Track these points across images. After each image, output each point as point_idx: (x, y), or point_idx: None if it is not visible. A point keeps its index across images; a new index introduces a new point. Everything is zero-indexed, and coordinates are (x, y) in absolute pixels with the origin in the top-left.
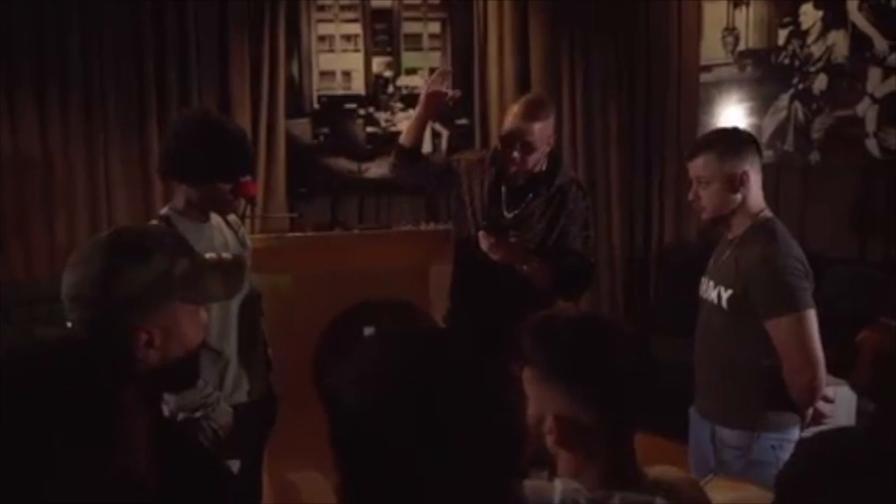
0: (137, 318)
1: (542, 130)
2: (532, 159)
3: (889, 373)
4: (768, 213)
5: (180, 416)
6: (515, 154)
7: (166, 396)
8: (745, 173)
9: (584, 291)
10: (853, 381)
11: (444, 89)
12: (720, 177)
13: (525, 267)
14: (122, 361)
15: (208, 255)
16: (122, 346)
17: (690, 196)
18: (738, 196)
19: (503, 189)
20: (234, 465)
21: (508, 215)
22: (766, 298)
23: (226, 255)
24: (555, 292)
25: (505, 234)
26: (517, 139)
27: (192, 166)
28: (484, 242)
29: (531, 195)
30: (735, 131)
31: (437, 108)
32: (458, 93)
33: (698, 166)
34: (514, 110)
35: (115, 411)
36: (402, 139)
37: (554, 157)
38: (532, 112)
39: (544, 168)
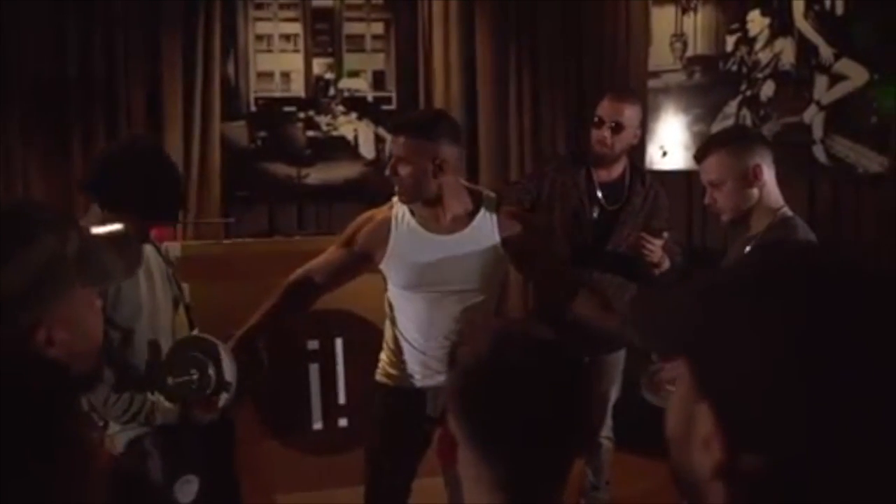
0: (32, 313)
1: (631, 114)
2: (619, 141)
3: None
4: (788, 212)
5: (121, 436)
6: (606, 134)
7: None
8: (757, 166)
9: None
10: None
11: None
12: (733, 174)
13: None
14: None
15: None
16: (18, 351)
17: (706, 200)
18: (755, 191)
19: (598, 190)
20: (193, 484)
21: (612, 208)
22: None
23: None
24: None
25: (659, 235)
26: (608, 119)
27: (120, 197)
28: (643, 243)
29: (626, 193)
30: (740, 128)
31: None
32: None
33: (709, 168)
34: (607, 96)
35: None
36: None
37: (632, 164)
38: (623, 95)
39: (628, 175)
